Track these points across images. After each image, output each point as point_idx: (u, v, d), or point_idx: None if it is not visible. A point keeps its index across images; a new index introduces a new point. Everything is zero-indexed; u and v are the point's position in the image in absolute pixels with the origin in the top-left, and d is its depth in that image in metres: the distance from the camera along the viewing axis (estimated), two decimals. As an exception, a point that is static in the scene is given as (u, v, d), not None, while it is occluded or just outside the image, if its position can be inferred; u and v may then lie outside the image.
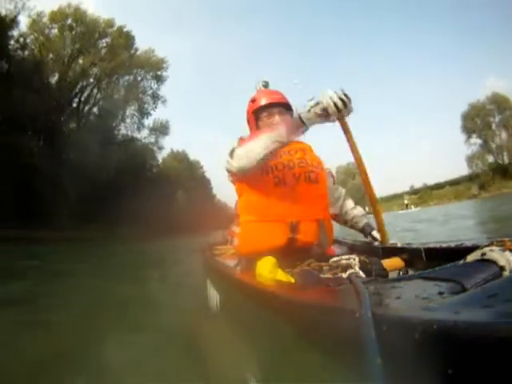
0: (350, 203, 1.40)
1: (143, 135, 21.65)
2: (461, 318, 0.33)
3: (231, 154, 1.10)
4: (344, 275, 0.86)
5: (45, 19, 18.88)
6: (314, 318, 0.52)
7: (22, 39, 17.15)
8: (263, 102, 1.25)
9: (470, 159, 32.64)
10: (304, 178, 1.11)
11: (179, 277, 2.71)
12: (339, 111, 0.94)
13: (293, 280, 0.83)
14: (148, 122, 21.82)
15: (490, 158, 31.97)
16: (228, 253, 1.90)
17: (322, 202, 1.15)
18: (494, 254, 0.53)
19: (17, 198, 12.03)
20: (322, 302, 0.57)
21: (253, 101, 1.27)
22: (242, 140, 1.25)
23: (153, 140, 21.90)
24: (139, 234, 12.63)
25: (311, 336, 0.55)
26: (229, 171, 1.15)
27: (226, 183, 1.28)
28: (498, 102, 31.77)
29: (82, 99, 19.63)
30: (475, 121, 31.96)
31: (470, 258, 0.58)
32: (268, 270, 0.83)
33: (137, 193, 16.09)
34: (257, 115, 1.27)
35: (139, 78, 21.41)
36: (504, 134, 31.25)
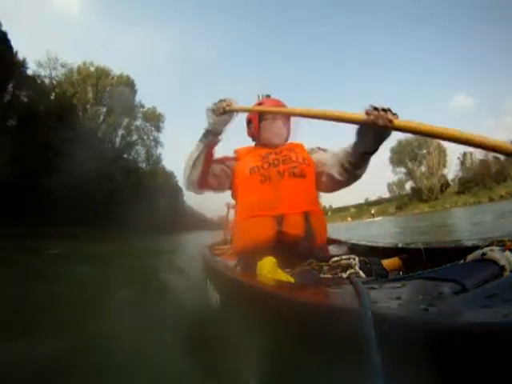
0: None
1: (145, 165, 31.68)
2: (461, 318, 0.33)
3: None
4: (344, 275, 0.86)
5: (75, 75, 23.27)
6: (314, 318, 0.52)
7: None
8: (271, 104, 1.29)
9: (390, 185, 44.06)
10: (288, 174, 1.15)
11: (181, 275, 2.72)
12: (221, 103, 1.10)
13: (293, 280, 0.83)
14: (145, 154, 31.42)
15: (412, 185, 40.94)
16: (228, 253, 1.90)
17: (308, 195, 1.15)
18: (495, 253, 0.53)
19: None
20: (322, 301, 0.56)
21: (259, 104, 1.30)
22: (236, 152, 1.28)
23: (149, 168, 31.45)
24: (134, 234, 15.18)
25: (311, 336, 0.55)
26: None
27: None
28: (421, 138, 37.65)
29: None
30: (401, 154, 40.42)
31: (470, 257, 0.58)
32: (268, 270, 0.83)
33: (135, 203, 21.12)
34: (261, 116, 1.30)
35: (144, 127, 29.73)
36: (424, 166, 39.90)
